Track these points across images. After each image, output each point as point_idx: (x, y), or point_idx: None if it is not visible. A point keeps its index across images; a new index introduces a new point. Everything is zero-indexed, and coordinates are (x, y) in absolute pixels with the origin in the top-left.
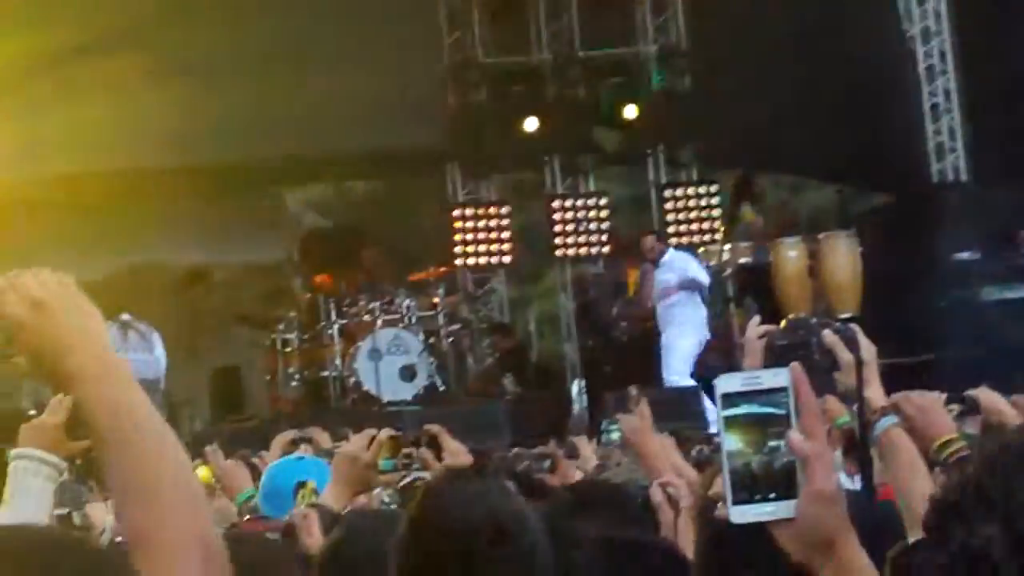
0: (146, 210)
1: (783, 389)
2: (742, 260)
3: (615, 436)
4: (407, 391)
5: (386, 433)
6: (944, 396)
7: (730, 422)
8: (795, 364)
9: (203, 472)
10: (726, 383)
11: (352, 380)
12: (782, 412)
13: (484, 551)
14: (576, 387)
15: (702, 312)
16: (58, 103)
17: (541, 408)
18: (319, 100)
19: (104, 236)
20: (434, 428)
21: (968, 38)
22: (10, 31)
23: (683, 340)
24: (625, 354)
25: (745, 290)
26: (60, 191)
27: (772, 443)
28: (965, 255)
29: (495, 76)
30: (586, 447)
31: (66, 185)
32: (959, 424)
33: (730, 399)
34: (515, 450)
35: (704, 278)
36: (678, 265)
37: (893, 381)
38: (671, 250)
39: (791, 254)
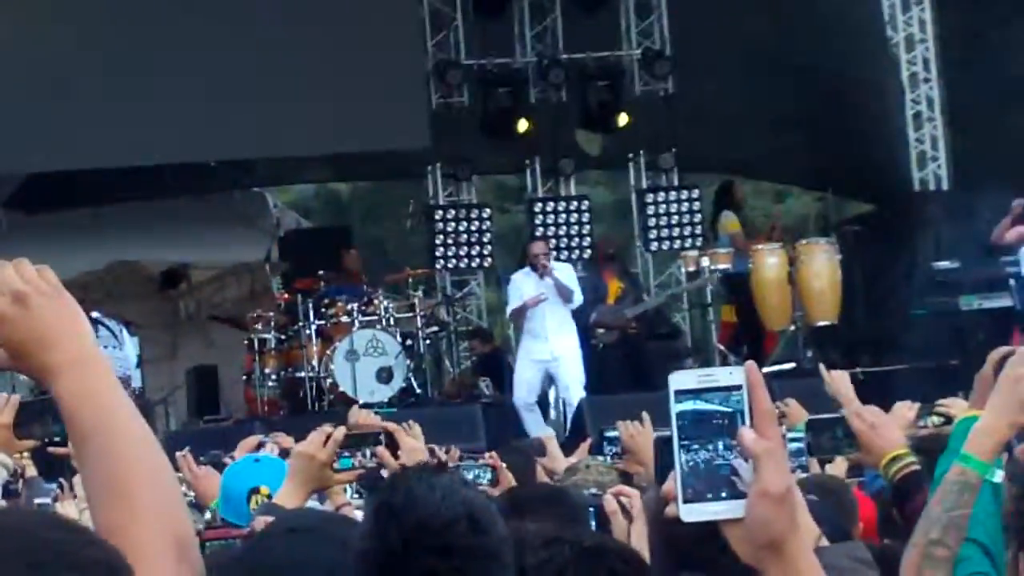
0: (125, 208)
1: (738, 387)
2: (722, 266)
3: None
4: (383, 393)
5: (342, 431)
6: (917, 406)
7: (681, 419)
8: (751, 363)
9: None
10: (680, 380)
11: (328, 381)
12: (735, 410)
13: (461, 542)
14: (552, 392)
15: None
16: None
17: (516, 412)
18: (299, 100)
19: (84, 233)
20: (390, 425)
21: (951, 46)
22: None
23: (573, 351)
24: (602, 361)
25: (724, 297)
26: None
27: (724, 441)
28: (945, 264)
29: (478, 78)
30: (555, 446)
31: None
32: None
33: (683, 396)
34: (459, 462)
35: (579, 296)
36: (562, 275)
37: (869, 390)
38: (554, 261)
39: (771, 261)
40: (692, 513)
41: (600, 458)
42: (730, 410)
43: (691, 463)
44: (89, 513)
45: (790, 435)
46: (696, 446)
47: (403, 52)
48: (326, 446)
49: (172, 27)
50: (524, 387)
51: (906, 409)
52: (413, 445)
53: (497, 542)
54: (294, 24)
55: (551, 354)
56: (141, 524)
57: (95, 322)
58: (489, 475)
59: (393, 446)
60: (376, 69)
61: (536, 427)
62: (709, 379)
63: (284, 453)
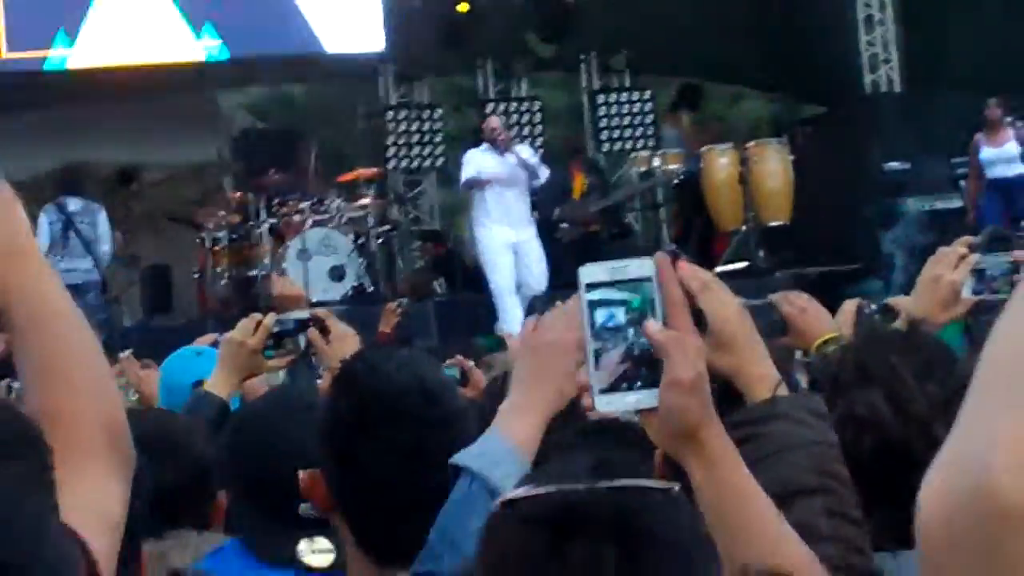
0: (76, 109)
1: (648, 279)
2: (673, 166)
3: None
4: (336, 291)
5: (272, 317)
6: (862, 302)
7: (594, 310)
8: (660, 253)
9: None
10: (590, 272)
11: None
12: (646, 300)
13: (413, 411)
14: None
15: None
16: None
17: (470, 310)
18: (254, 3)
19: (35, 135)
20: (321, 312)
21: None
22: None
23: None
24: (563, 256)
25: (676, 197)
26: None
27: (635, 330)
28: (895, 165)
29: None
30: (514, 343)
31: None
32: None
33: (594, 289)
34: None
35: (546, 170)
36: (525, 154)
37: (823, 289)
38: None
39: (722, 161)
40: (608, 404)
41: None
42: (640, 300)
43: (604, 355)
44: (25, 397)
45: None
46: (607, 336)
47: None
48: (256, 333)
49: None
50: (504, 271)
51: (852, 304)
52: (344, 331)
53: (452, 413)
54: None
55: (516, 237)
56: (75, 407)
57: (68, 224)
58: (457, 375)
59: (324, 332)
60: None
61: (515, 317)
62: (620, 271)
63: None
